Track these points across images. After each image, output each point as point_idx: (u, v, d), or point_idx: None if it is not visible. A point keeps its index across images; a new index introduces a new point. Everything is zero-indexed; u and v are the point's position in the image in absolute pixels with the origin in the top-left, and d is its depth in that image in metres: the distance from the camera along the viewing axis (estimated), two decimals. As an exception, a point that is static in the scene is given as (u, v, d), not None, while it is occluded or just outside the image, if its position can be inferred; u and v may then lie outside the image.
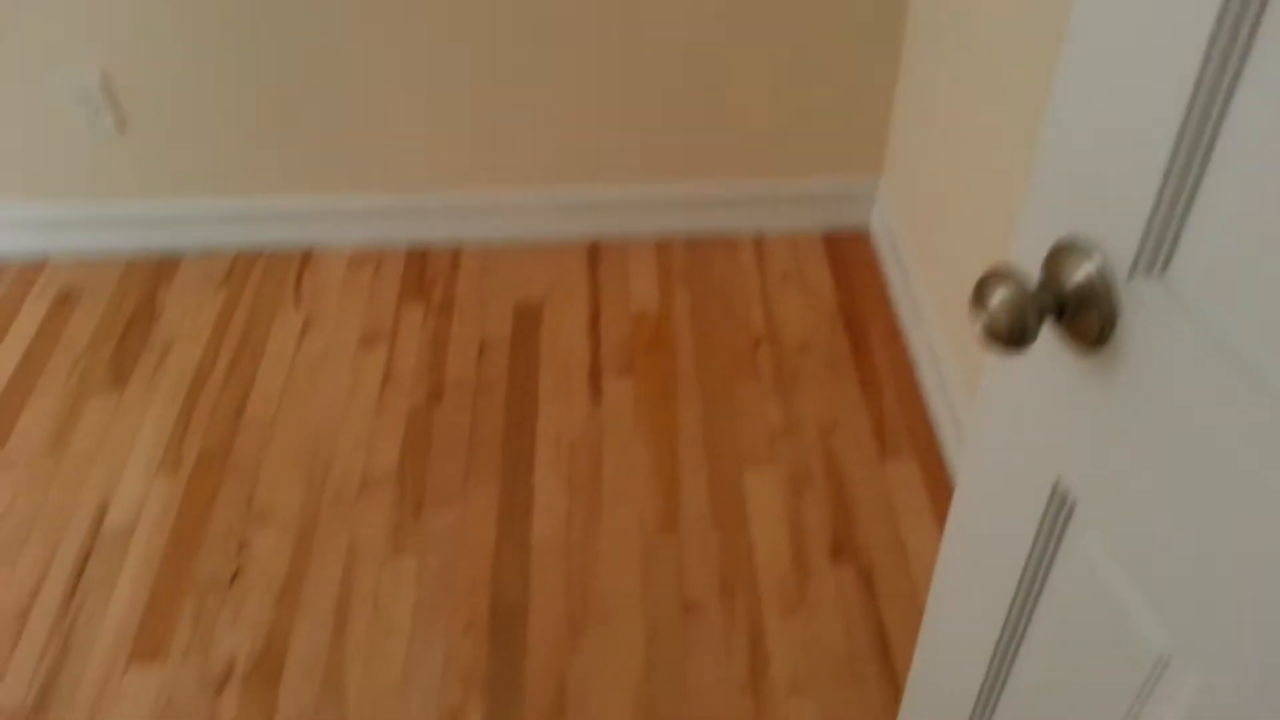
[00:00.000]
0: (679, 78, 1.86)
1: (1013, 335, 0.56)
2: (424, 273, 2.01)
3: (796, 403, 1.74)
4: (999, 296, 0.56)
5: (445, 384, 1.79)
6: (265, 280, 1.99)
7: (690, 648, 1.42)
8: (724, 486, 1.62)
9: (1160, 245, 0.51)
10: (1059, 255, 0.58)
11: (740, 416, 1.72)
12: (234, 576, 1.52)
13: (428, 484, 1.63)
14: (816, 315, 1.90)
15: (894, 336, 1.85)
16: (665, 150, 1.96)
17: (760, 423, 1.71)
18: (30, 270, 2.03)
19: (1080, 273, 0.56)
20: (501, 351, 1.85)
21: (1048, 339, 0.62)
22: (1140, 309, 0.52)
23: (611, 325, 1.89)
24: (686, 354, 1.84)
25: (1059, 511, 0.65)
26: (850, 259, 2.02)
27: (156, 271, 2.02)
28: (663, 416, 1.73)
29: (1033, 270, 0.62)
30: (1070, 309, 0.57)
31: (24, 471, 1.66)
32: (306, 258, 2.04)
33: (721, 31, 1.81)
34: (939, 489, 1.60)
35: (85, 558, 1.55)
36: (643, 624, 1.45)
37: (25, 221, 2.00)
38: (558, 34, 1.80)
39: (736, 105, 1.91)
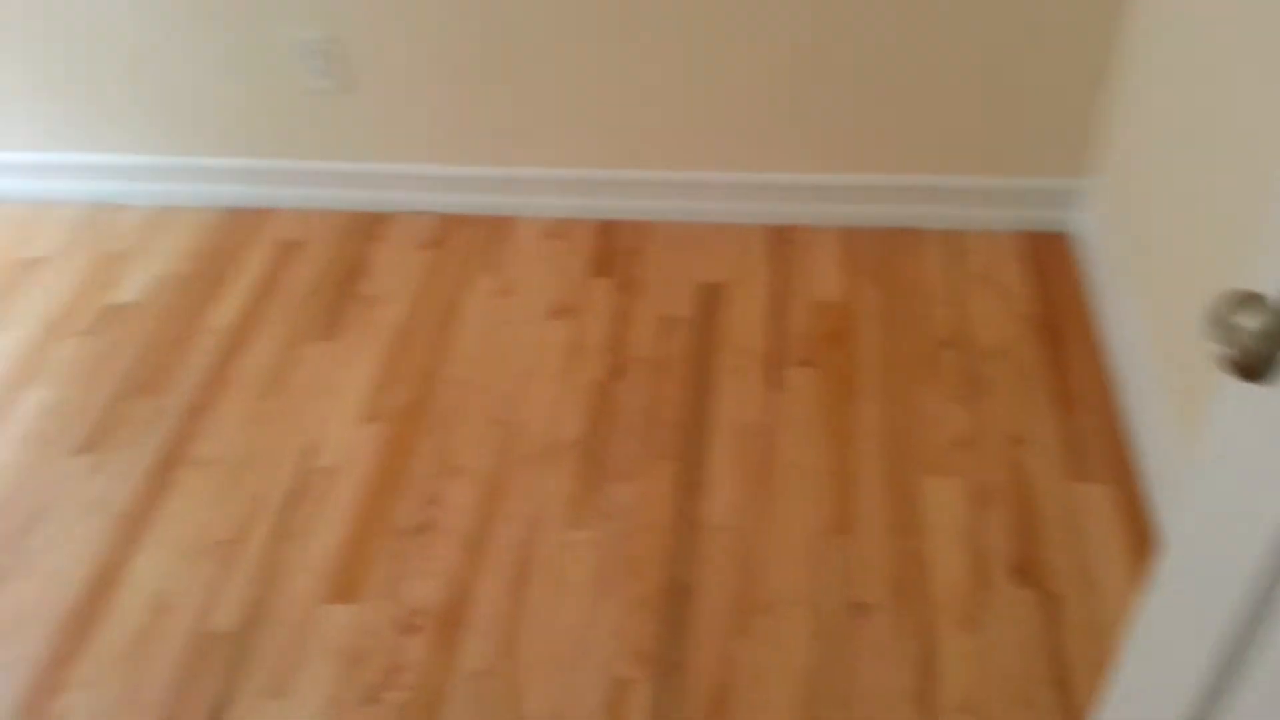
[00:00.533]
0: (872, 67, 1.82)
1: (1258, 366, 0.53)
2: (612, 248, 2.05)
3: (983, 411, 1.69)
4: (1246, 322, 0.53)
5: (628, 360, 1.83)
6: (467, 245, 2.08)
7: (857, 651, 1.42)
8: (901, 491, 1.60)
9: None
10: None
11: (922, 420, 1.69)
12: (425, 527, 1.61)
13: (608, 457, 1.68)
14: (1009, 320, 1.84)
15: (1094, 350, 1.77)
16: (856, 140, 1.93)
17: (943, 429, 1.67)
18: (256, 219, 2.18)
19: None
20: (682, 331, 1.87)
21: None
22: None
23: (793, 313, 1.88)
24: (869, 350, 1.81)
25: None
26: (1049, 264, 1.94)
27: (370, 228, 2.14)
28: (841, 412, 1.71)
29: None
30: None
31: (242, 410, 1.81)
32: (505, 225, 2.12)
33: (917, 21, 1.75)
34: (1133, 519, 1.53)
35: (293, 496, 1.67)
36: (810, 620, 1.45)
37: (251, 173, 2.15)
38: (755, 21, 1.78)
39: (931, 97, 1.85)
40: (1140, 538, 1.51)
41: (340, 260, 2.07)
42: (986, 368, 1.76)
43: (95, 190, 2.23)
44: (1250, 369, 0.52)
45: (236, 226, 2.17)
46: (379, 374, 1.85)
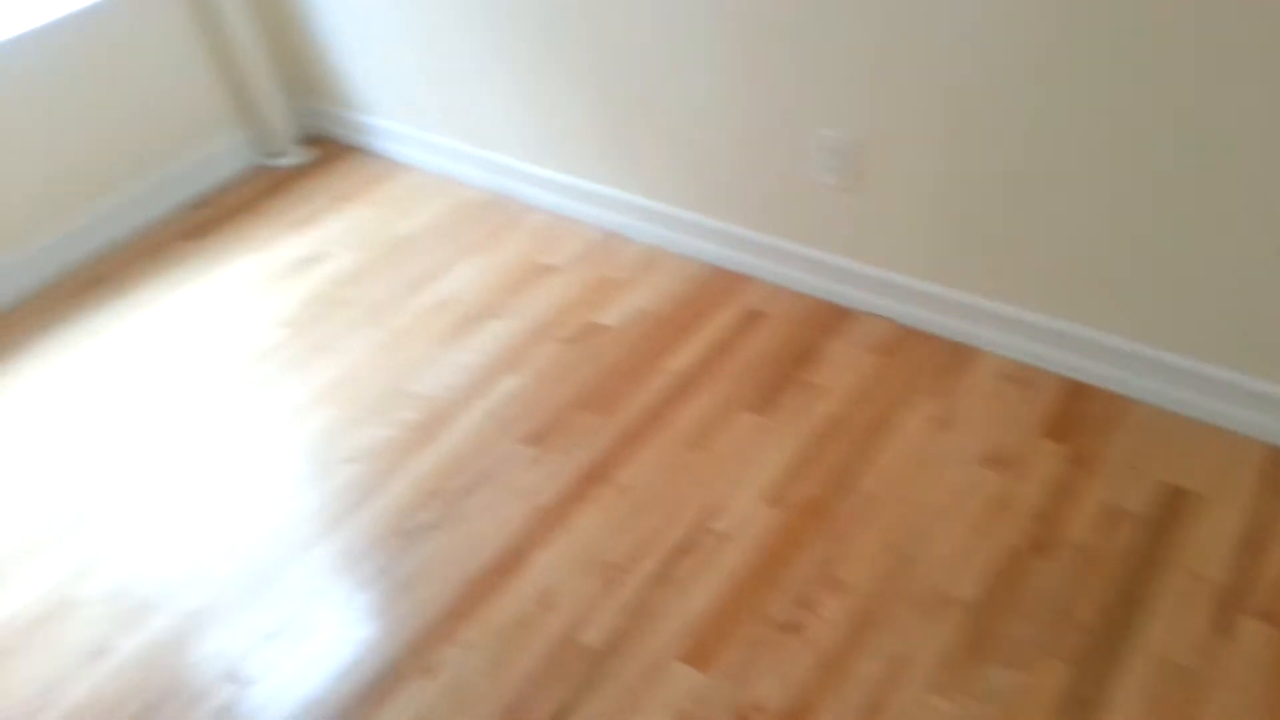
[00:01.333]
0: None
1: None
2: (1074, 413, 1.89)
3: None
4: None
5: (1056, 538, 1.68)
6: (919, 362, 2.05)
7: None
8: (1354, 816, 1.29)
9: None
10: None
11: None
12: (792, 627, 1.60)
13: (998, 633, 1.55)
14: None
15: None
16: None
17: None
18: (732, 282, 2.32)
19: None
20: (1129, 528, 1.68)
21: None
22: None
23: (1273, 556, 1.61)
24: (1361, 629, 1.49)
25: None
26: None
27: (830, 319, 2.18)
28: (1301, 691, 1.43)
29: None
30: None
31: (666, 452, 1.93)
32: (964, 354, 2.05)
33: None
34: None
35: (681, 547, 1.75)
36: None
37: (740, 240, 2.29)
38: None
39: None
40: None
41: (795, 341, 2.14)
42: None
43: (611, 220, 2.51)
44: None
45: (714, 284, 2.33)
46: (795, 461, 1.87)
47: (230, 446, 2.06)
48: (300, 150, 2.98)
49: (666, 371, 2.11)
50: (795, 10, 1.89)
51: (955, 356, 2.05)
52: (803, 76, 1.97)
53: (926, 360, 2.05)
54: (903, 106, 1.88)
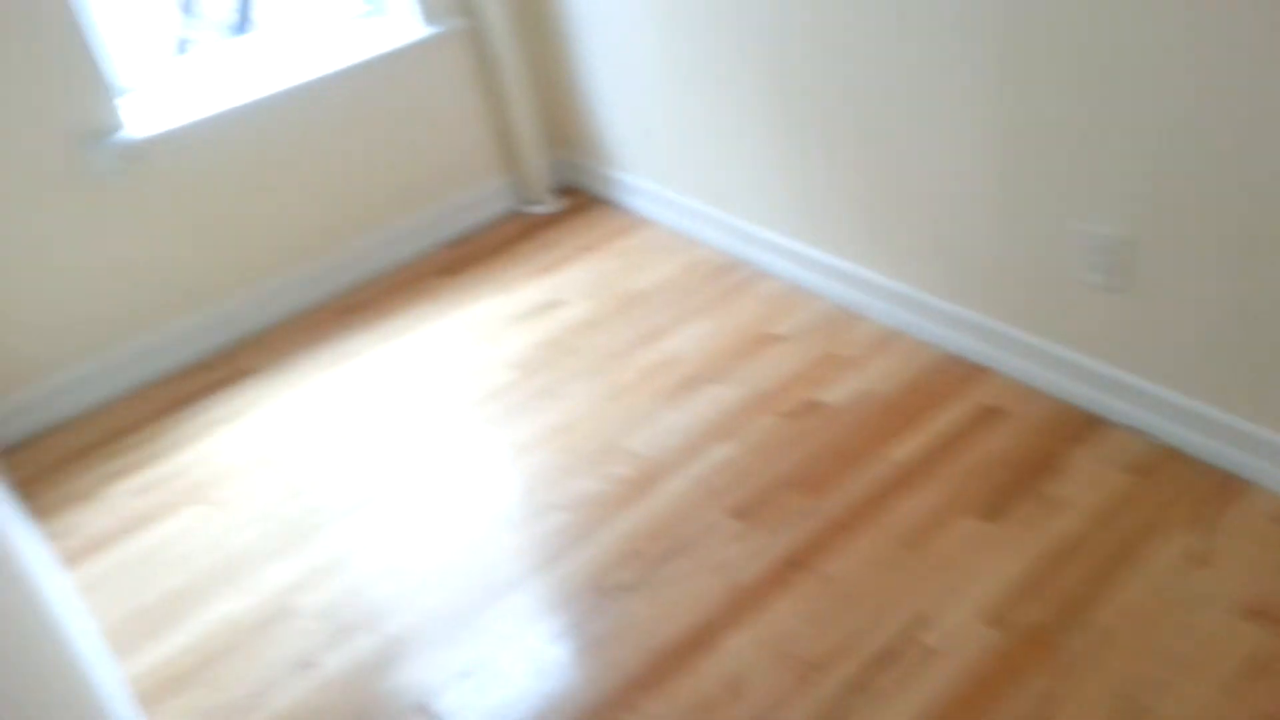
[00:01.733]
0: None
1: None
2: (1370, 572, 1.63)
3: None
4: None
5: (1330, 716, 1.44)
6: (1177, 489, 1.83)
7: None
8: None
9: None
10: None
11: None
12: (996, 766, 1.46)
13: (1248, 819, 1.34)
14: None
15: None
16: None
17: None
18: (969, 374, 2.18)
19: None
20: None
21: None
22: None
23: None
24: None
25: None
26: None
27: (1077, 427, 2.00)
28: None
29: None
30: None
31: (878, 547, 1.82)
32: (1234, 486, 1.81)
33: None
34: None
35: (885, 655, 1.64)
36: None
37: (983, 330, 2.15)
38: None
39: None
40: None
41: (1034, 447, 1.97)
42: None
43: (848, 295, 2.43)
44: None
45: (950, 373, 2.20)
46: (1023, 580, 1.72)
47: (452, 479, 2.14)
48: (553, 199, 3.11)
49: (888, 460, 2.00)
50: (1067, 95, 1.77)
51: (1222, 487, 1.82)
52: (1072, 164, 1.83)
53: (1187, 487, 1.83)
54: (1186, 205, 1.70)
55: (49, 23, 2.25)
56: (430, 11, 2.78)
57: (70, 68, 2.30)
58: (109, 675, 1.74)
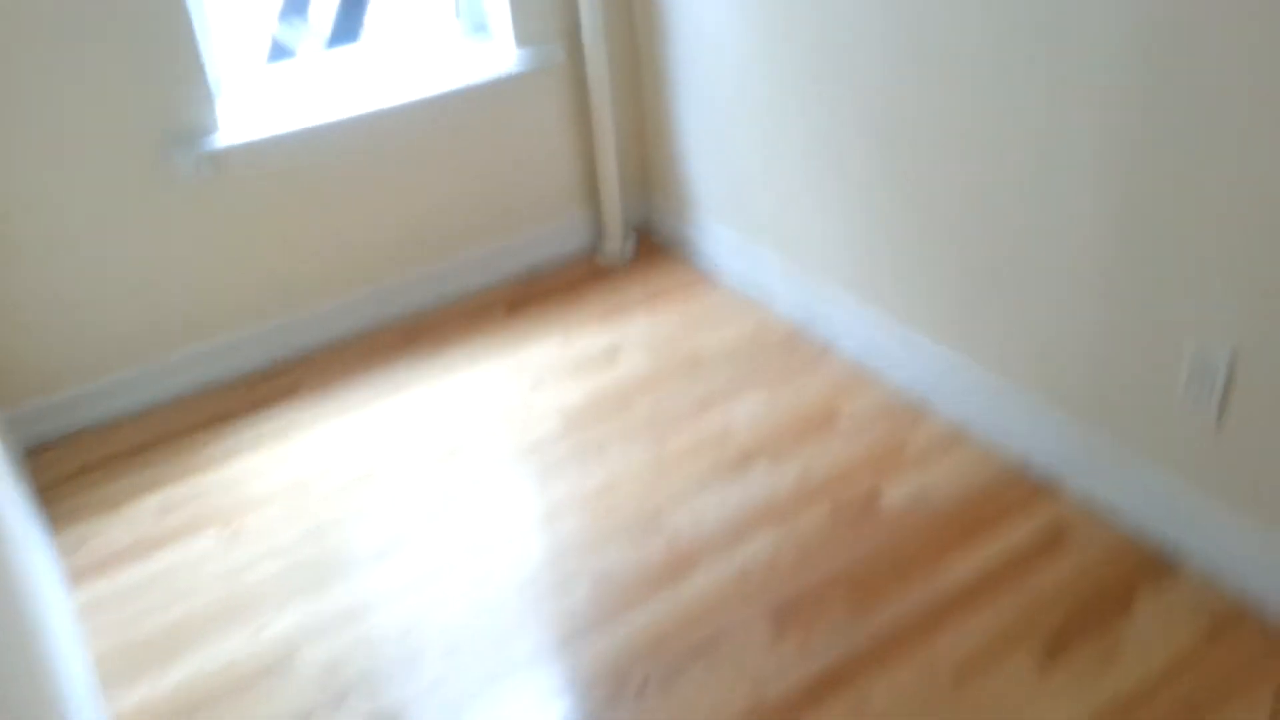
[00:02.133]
0: None
1: None
2: None
3: None
4: None
5: None
6: (1261, 651, 1.65)
7: None
8: None
9: None
10: None
11: None
12: None
13: None
14: None
15: None
16: None
17: None
18: (1041, 489, 2.02)
19: None
20: None
21: None
22: None
23: None
24: None
25: None
26: None
27: (1157, 565, 1.83)
28: None
29: None
30: None
31: (923, 682, 1.67)
32: (1329, 661, 1.63)
33: None
34: None
35: (915, 803, 1.49)
36: None
37: (1066, 441, 1.99)
38: None
39: None
40: None
41: (1105, 583, 1.80)
42: None
43: (921, 378, 2.28)
44: None
45: (1019, 485, 2.04)
46: (1076, 738, 1.56)
47: (481, 534, 2.06)
48: (627, 244, 3.02)
49: (943, 578, 1.85)
50: (1184, 205, 1.61)
51: (1315, 658, 1.63)
52: (1185, 281, 1.67)
53: (1270, 649, 1.65)
54: (1306, 347, 1.53)
55: (159, 17, 2.22)
56: (531, 41, 2.72)
57: (176, 65, 2.27)
58: (90, 713, 1.67)
